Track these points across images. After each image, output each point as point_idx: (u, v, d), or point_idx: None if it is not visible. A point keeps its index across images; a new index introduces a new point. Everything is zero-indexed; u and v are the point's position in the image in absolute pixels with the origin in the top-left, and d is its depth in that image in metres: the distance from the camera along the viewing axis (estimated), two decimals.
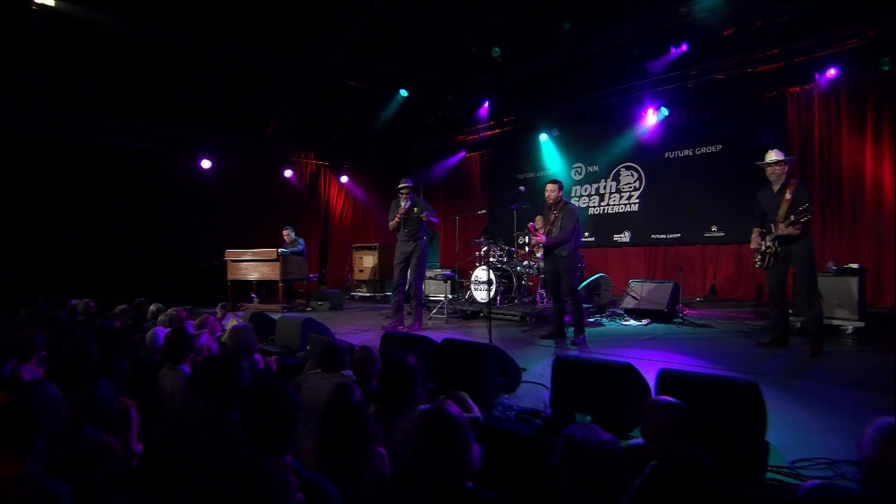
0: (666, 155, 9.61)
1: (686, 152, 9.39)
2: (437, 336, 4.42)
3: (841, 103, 7.76)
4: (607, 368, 3.22)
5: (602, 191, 10.54)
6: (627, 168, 10.19)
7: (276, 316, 5.78)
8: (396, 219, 6.73)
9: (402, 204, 6.56)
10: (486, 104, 10.76)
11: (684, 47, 8.31)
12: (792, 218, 4.59)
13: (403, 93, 10.71)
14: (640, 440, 2.42)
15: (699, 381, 2.75)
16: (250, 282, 8.76)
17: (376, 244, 10.35)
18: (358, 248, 10.54)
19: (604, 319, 7.32)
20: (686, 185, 9.38)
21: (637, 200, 10.07)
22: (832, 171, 7.89)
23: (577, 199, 10.88)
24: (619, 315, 7.35)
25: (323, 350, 3.63)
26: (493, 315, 7.36)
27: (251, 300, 8.93)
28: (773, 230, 4.90)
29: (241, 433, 2.17)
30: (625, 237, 10.21)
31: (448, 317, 7.36)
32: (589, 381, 3.22)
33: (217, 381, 2.67)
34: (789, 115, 8.28)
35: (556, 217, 5.88)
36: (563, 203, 5.93)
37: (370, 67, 10.52)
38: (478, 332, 6.41)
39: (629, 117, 9.80)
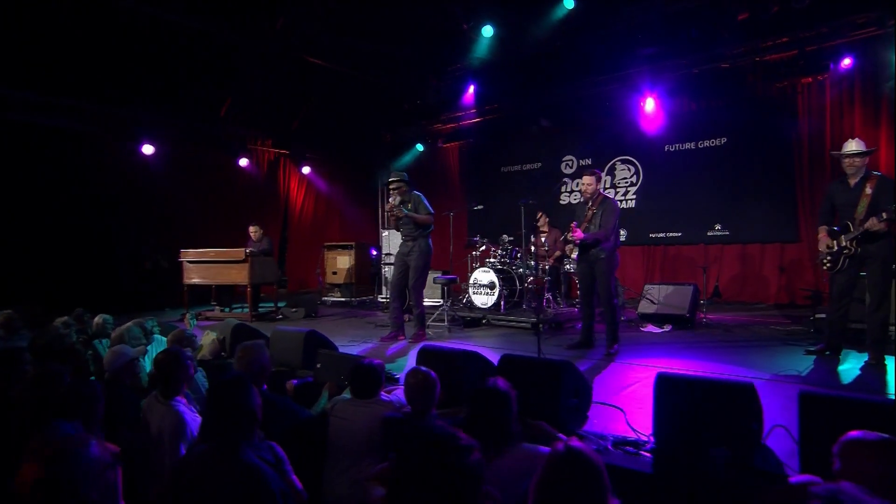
0: (666, 148, 9.55)
1: (688, 145, 9.35)
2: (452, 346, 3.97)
3: (855, 95, 7.86)
4: (727, 388, 2.90)
5: None
6: (624, 162, 10.07)
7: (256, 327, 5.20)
8: (392, 220, 6.34)
9: (391, 201, 6.28)
10: (472, 89, 10.36)
11: (695, 32, 8.20)
12: (885, 216, 4.42)
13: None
14: (804, 477, 2.12)
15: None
16: (210, 287, 8.03)
17: (352, 243, 9.79)
18: (331, 248, 9.94)
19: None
20: (687, 181, 9.34)
21: (634, 196, 9.97)
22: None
23: (567, 194, 10.69)
24: (634, 320, 7.15)
25: (355, 372, 3.22)
26: (500, 322, 7.06)
27: (211, 308, 8.19)
28: (851, 229, 4.76)
29: (269, 483, 1.97)
30: (621, 236, 10.05)
31: (450, 325, 6.93)
32: (703, 404, 2.90)
33: (240, 417, 2.23)
34: (800, 107, 8.34)
35: (593, 213, 5.60)
36: (601, 197, 5.65)
37: (340, 44, 9.92)
38: (496, 343, 6.05)
39: (627, 107, 9.66)
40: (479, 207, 7.91)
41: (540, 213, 8.14)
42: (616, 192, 10.14)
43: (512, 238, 8.12)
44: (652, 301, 7.22)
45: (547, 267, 7.77)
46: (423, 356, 3.98)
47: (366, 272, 9.96)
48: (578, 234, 5.54)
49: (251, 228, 8.46)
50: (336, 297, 9.59)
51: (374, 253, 10.13)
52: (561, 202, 10.67)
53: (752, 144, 8.71)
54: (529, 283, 7.68)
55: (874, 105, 7.70)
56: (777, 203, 8.55)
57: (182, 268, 7.97)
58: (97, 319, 5.30)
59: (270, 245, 8.42)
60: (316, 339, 4.69)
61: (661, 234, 9.65)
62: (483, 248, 8.04)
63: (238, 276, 7.65)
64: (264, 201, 11.64)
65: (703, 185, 9.20)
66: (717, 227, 9.10)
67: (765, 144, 8.60)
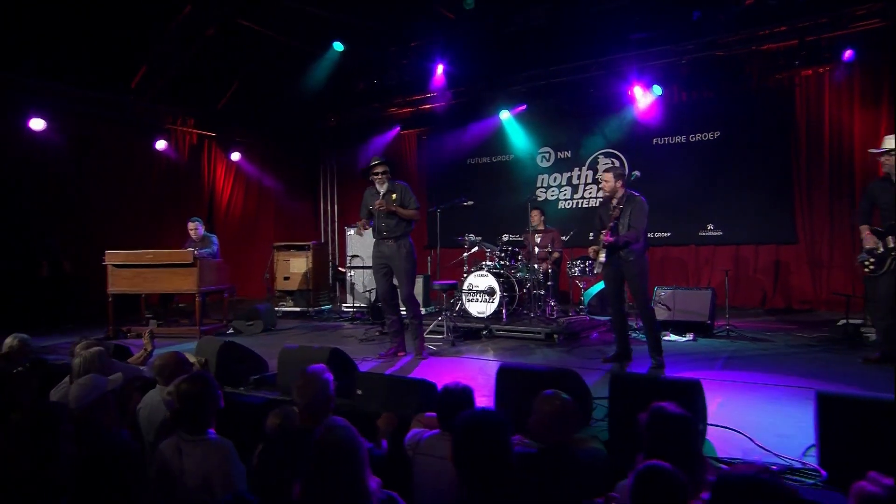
0: (655, 141, 9.57)
1: (678, 139, 9.42)
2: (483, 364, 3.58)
3: (855, 89, 8.19)
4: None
5: (576, 181, 10.27)
6: (607, 155, 10.00)
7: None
8: (377, 207, 5.70)
9: (379, 190, 5.72)
10: (441, 69, 9.90)
11: (697, 15, 8.21)
12: None
13: (338, 46, 9.46)
14: None
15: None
16: (138, 297, 7.09)
17: (309, 243, 9.04)
18: (282, 249, 9.13)
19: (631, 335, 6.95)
20: (678, 177, 9.37)
21: None
22: (843, 163, 8.30)
23: (543, 189, 10.51)
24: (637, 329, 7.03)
25: (444, 399, 2.91)
26: (505, 333, 6.70)
27: (143, 322, 7.20)
28: None
29: None
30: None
31: (453, 338, 6.47)
32: (875, 427, 2.70)
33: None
34: (797, 101, 8.60)
35: (619, 211, 5.45)
36: (626, 194, 5.51)
37: (281, 6, 9.14)
38: (516, 357, 5.67)
39: (612, 95, 9.60)
40: (469, 203, 7.50)
41: (534, 211, 7.85)
42: (599, 188, 10.06)
43: (521, 238, 7.78)
44: (667, 307, 7.11)
45: (549, 270, 7.48)
46: (505, 376, 3.65)
47: (325, 277, 9.25)
48: (609, 237, 5.33)
49: (190, 225, 7.54)
50: (289, 307, 8.79)
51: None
52: (537, 198, 10.48)
53: (747, 139, 8.88)
54: (535, 289, 7.36)
55: (874, 100, 8.05)
56: (773, 202, 8.77)
57: (107, 274, 6.90)
58: (9, 341, 4.42)
59: (216, 245, 7.53)
60: (341, 360, 4.12)
61: (649, 235, 9.60)
62: (475, 249, 7.61)
63: (183, 282, 6.74)
64: (185, 192, 10.61)
65: (694, 182, 9.29)
66: (710, 227, 9.22)
67: (760, 139, 8.80)
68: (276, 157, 12.10)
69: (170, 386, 3.06)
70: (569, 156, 10.33)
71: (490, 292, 7.06)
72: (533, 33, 9.24)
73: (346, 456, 2.15)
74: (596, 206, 9.91)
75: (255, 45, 10.09)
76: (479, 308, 7.13)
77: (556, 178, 10.45)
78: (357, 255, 8.55)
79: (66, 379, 3.71)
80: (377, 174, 5.75)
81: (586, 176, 10.18)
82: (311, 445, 2.16)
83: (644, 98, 9.34)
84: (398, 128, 11.52)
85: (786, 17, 8.15)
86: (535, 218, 7.79)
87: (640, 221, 5.38)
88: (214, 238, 7.63)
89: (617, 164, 5.73)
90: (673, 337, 6.68)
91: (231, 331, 7.28)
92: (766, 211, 8.81)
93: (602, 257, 5.58)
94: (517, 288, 7.30)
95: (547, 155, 10.54)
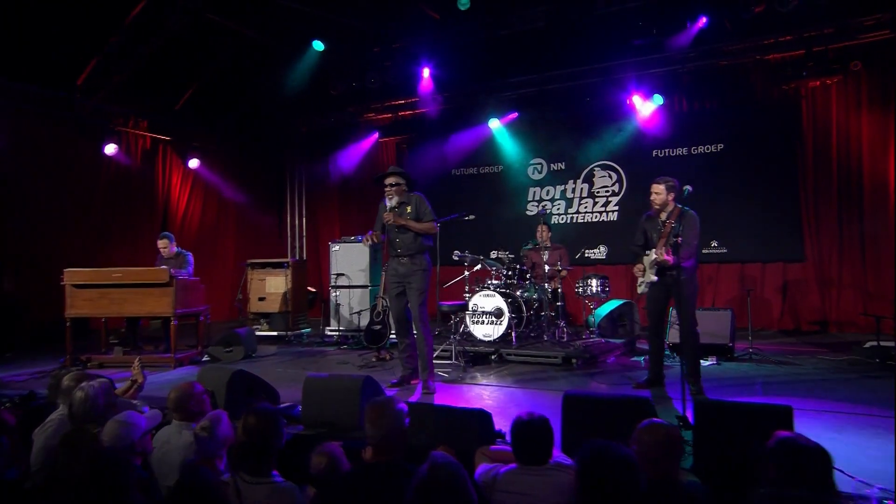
0: (654, 153, 9.77)
1: (680, 151, 9.64)
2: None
3: (862, 101, 8.55)
4: None
5: (570, 195, 10.37)
6: (604, 168, 10.16)
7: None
8: (385, 220, 5.63)
9: (387, 204, 5.61)
10: (427, 73, 9.86)
11: (703, 21, 8.44)
12: None
13: (318, 45, 9.32)
14: None
15: None
16: (103, 321, 6.75)
17: (287, 260, 8.82)
18: (257, 267, 8.85)
19: (641, 359, 7.02)
20: None
21: (616, 208, 10.08)
22: (851, 178, 8.62)
23: (535, 203, 10.57)
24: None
25: (521, 430, 2.84)
26: (517, 358, 6.68)
27: (104, 350, 6.83)
28: None
29: None
30: (599, 253, 10.13)
31: (464, 363, 6.38)
32: None
33: None
34: (804, 113, 8.92)
35: (670, 227, 5.50)
36: (677, 209, 5.58)
37: (256, 0, 8.98)
38: (537, 384, 5.62)
39: (610, 104, 9.77)
40: (471, 217, 7.46)
41: (541, 226, 7.87)
42: (595, 203, 10.20)
43: (512, 255, 7.75)
44: None
45: (559, 290, 7.49)
46: (572, 405, 3.60)
47: (303, 298, 9.00)
48: (670, 256, 5.36)
49: (161, 243, 7.24)
50: (265, 331, 8.52)
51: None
52: (528, 213, 10.54)
53: (752, 152, 9.15)
54: (546, 310, 7.35)
55: (883, 113, 8.40)
56: (779, 218, 9.04)
57: (65, 294, 6.51)
58: None
59: (191, 265, 7.24)
60: (375, 390, 4.16)
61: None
62: (478, 267, 7.56)
63: (157, 304, 6.42)
64: (136, 201, 10.27)
65: (696, 197, 9.43)
66: (714, 243, 9.41)
67: (766, 152, 9.08)
68: (240, 164, 11.84)
69: (202, 421, 2.94)
70: (563, 168, 10.43)
71: (498, 314, 7.01)
72: (526, 36, 9.34)
73: (456, 497, 2.10)
74: (593, 222, 10.12)
75: (221, 42, 9.87)
76: (486, 331, 7.07)
77: (548, 191, 10.52)
78: (343, 274, 8.36)
79: (54, 415, 3.47)
80: (387, 186, 5.64)
81: (581, 189, 10.29)
82: (414, 484, 2.11)
83: (644, 107, 9.53)
84: (376, 135, 11.42)
85: (792, 27, 8.45)
86: (543, 234, 7.82)
87: (692, 237, 5.46)
88: (190, 256, 7.34)
89: (670, 179, 5.71)
90: (705, 362, 6.76)
91: (206, 358, 6.99)
92: (773, 227, 9.07)
93: (652, 276, 5.62)
94: (524, 309, 7.28)
95: (539, 166, 10.61)
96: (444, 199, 10.97)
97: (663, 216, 5.59)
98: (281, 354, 7.59)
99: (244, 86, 10.73)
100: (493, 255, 8.53)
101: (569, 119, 10.29)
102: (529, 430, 2.81)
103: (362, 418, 3.85)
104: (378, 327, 7.06)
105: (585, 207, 10.25)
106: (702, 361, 6.70)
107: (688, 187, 5.14)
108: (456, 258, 7.85)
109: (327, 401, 4.02)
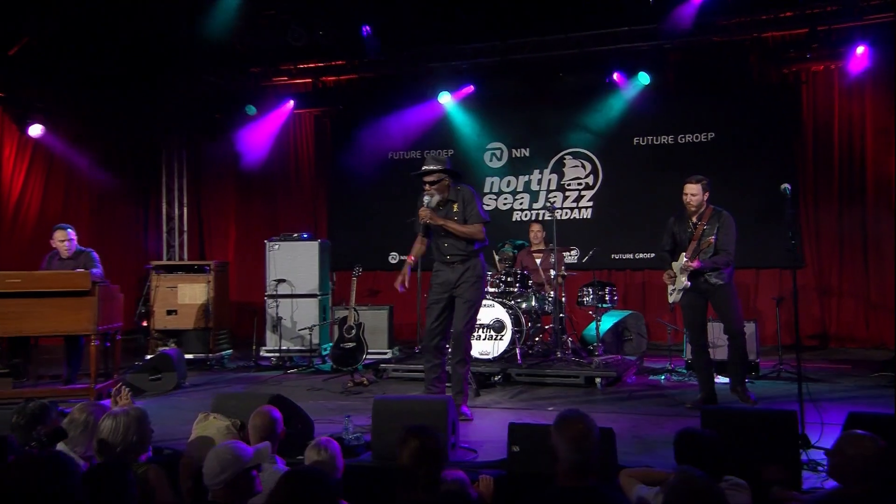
0: (635, 141, 10.23)
1: (664, 139, 10.15)
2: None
3: (866, 89, 9.37)
4: None
5: (535, 187, 10.62)
6: (576, 156, 10.50)
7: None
8: (420, 217, 5.81)
9: (425, 200, 5.76)
10: (367, 33, 9.69)
11: None
12: None
13: None
14: None
15: None
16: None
17: (210, 263, 8.40)
18: (165, 271, 8.34)
19: (661, 378, 7.39)
20: (663, 186, 10.02)
21: (590, 203, 10.43)
22: (854, 175, 9.47)
23: (493, 196, 10.72)
24: (681, 371, 7.48)
25: (693, 448, 3.14)
26: (528, 378, 6.94)
27: None
28: None
29: None
30: (571, 256, 10.41)
31: (476, 386, 6.49)
32: None
33: None
34: (804, 100, 9.69)
35: (702, 230, 5.94)
36: (709, 209, 6.05)
37: None
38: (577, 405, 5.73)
39: (586, 81, 10.14)
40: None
41: (534, 225, 8.07)
42: (566, 197, 10.50)
43: (511, 254, 7.88)
44: None
45: (563, 299, 7.71)
46: (710, 419, 3.92)
47: (226, 310, 8.62)
48: (697, 263, 5.84)
49: (58, 235, 6.66)
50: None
51: None
52: (485, 207, 10.64)
53: (746, 143, 9.77)
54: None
55: (888, 104, 9.29)
56: (776, 218, 9.74)
57: None
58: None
59: (97, 265, 6.72)
60: (454, 410, 4.50)
61: (627, 256, 10.18)
62: None
63: (73, 320, 5.90)
64: None
65: (682, 192, 10.04)
66: None
67: (761, 143, 9.74)
68: (100, 135, 11.15)
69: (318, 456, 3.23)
70: (527, 154, 10.66)
71: (498, 327, 7.15)
72: None
73: None
74: (562, 219, 10.36)
75: None
76: (483, 347, 7.20)
77: (509, 181, 10.70)
78: (284, 280, 8.11)
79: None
80: (427, 184, 5.72)
81: (549, 181, 10.55)
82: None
83: (625, 87, 9.92)
84: (290, 104, 11.00)
85: (794, 2, 9.17)
86: (537, 234, 7.99)
87: (729, 241, 5.98)
88: (94, 254, 6.79)
89: (703, 177, 6.08)
90: (723, 379, 7.16)
91: (128, 389, 6.51)
92: (768, 229, 9.73)
93: (685, 281, 5.93)
94: (523, 321, 7.43)
95: (499, 152, 10.79)
96: (378, 187, 10.98)
97: (695, 217, 6.00)
98: (216, 383, 7.35)
99: (114, 29, 9.87)
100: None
101: (536, 97, 10.54)
102: (701, 446, 3.10)
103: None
104: (351, 345, 6.98)
105: (554, 202, 10.52)
106: (718, 378, 7.29)
107: (786, 185, 5.42)
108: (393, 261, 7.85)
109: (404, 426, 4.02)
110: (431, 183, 5.67)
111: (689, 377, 7.32)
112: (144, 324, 8.45)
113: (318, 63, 10.89)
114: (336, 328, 7.27)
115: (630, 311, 8.37)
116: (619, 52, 9.77)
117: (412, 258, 5.90)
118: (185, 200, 12.03)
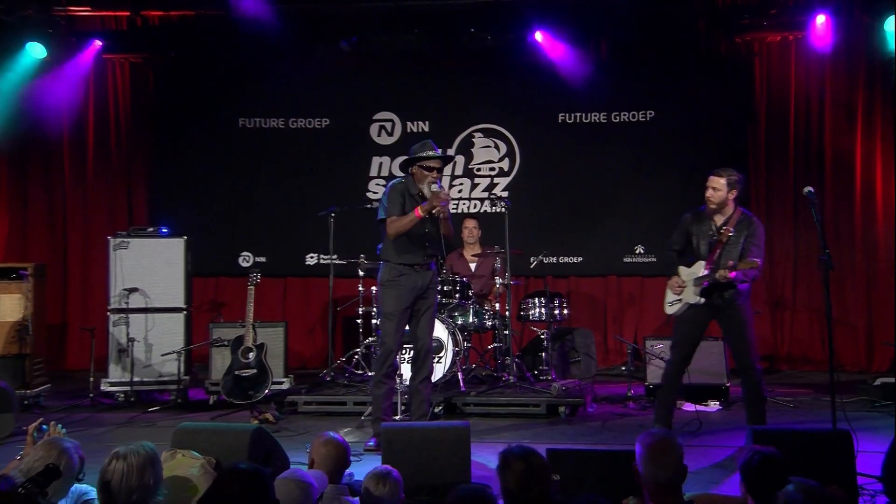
0: (560, 118, 10.56)
1: (596, 117, 10.54)
2: None
3: (826, 65, 10.10)
4: None
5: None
6: (488, 133, 10.67)
7: None
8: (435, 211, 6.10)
9: (435, 188, 6.12)
10: None
11: None
12: None
13: None
14: None
15: None
16: None
17: (28, 265, 7.93)
18: None
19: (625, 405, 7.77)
20: (594, 173, 10.48)
21: (504, 193, 10.55)
22: (810, 152, 10.21)
23: (381, 181, 10.60)
24: (638, 396, 7.91)
25: (763, 469, 3.40)
26: (480, 408, 7.14)
27: None
28: None
29: None
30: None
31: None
32: None
33: None
34: (757, 75, 10.37)
35: (727, 236, 6.15)
36: (738, 212, 6.27)
37: None
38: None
39: (502, 41, 10.17)
40: (333, 215, 7.69)
41: (469, 221, 8.22)
42: (475, 185, 10.60)
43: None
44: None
45: (507, 313, 7.90)
46: (762, 440, 4.14)
47: (43, 332, 8.12)
48: (734, 273, 5.99)
49: None
50: None
51: None
52: (371, 194, 10.55)
53: (691, 123, 10.33)
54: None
55: (849, 80, 10.09)
56: None
57: None
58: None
59: None
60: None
61: (551, 259, 10.31)
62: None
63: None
64: None
65: (617, 182, 10.48)
66: (639, 249, 10.39)
67: (708, 124, 10.30)
68: None
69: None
70: (426, 129, 10.64)
71: (436, 347, 7.17)
72: None
73: None
74: (471, 213, 10.41)
75: None
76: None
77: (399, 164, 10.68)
78: (135, 289, 7.75)
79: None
80: (435, 171, 6.13)
81: (454, 164, 10.57)
82: None
83: (550, 51, 10.13)
84: (97, 45, 10.29)
85: None
86: (472, 231, 8.12)
87: (758, 249, 6.15)
88: None
89: (733, 172, 6.31)
90: (693, 406, 7.59)
91: None
92: None
93: (695, 296, 6.19)
94: (461, 340, 7.55)
95: (389, 125, 10.76)
96: (221, 166, 10.63)
97: (719, 220, 6.23)
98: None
99: None
100: (311, 259, 8.58)
101: (439, 57, 10.61)
102: (769, 466, 3.35)
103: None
104: (249, 372, 6.79)
105: (460, 191, 10.62)
106: (704, 407, 7.70)
107: (809, 188, 5.75)
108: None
109: (425, 457, 4.49)
110: (440, 168, 6.21)
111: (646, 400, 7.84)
112: None
113: None
114: (224, 352, 7.05)
115: (577, 328, 8.62)
116: (544, 8, 9.94)
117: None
118: None
